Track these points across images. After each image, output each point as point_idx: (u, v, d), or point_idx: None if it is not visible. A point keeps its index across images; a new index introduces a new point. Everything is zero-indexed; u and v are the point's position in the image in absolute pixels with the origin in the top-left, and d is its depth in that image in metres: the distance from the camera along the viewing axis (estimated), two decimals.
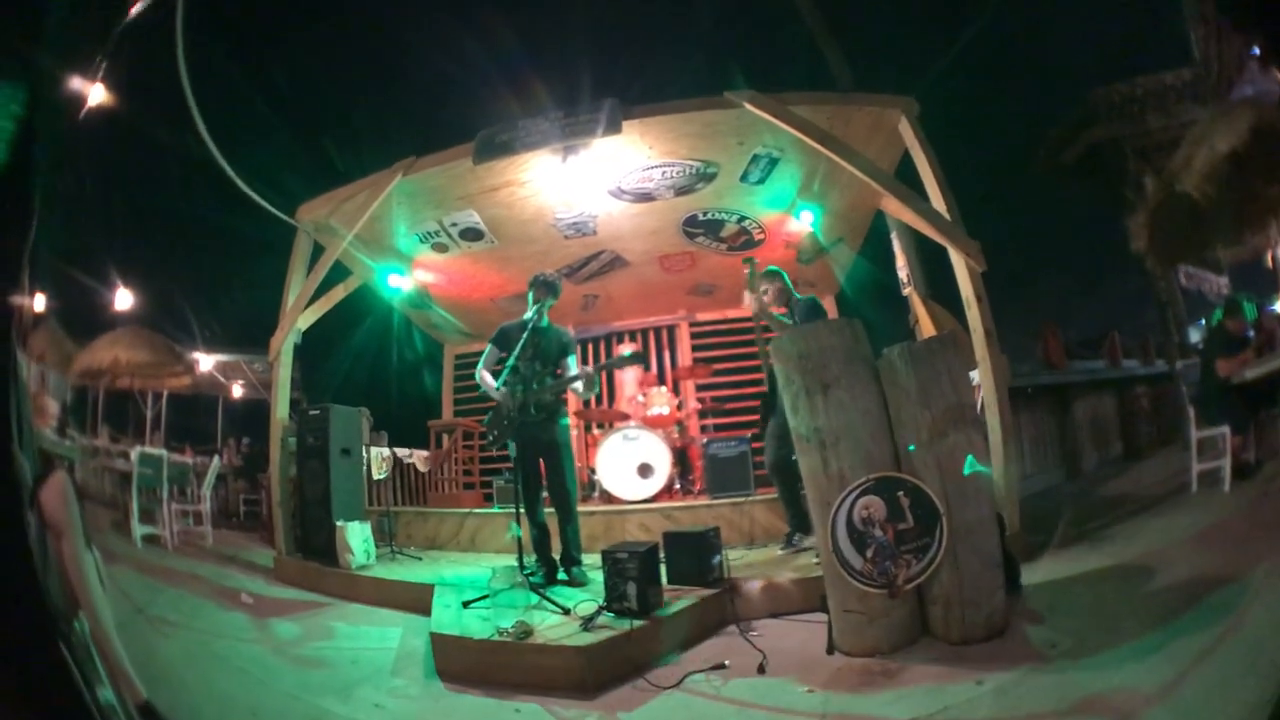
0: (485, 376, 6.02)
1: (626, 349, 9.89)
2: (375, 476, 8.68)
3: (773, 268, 6.69)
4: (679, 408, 9.87)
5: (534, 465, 5.98)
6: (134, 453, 7.67)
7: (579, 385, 6.01)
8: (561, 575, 5.91)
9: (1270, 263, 6.30)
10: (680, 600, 5.00)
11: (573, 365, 6.10)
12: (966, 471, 4.21)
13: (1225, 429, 5.97)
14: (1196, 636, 3.46)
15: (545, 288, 6.05)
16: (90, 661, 2.39)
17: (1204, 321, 7.62)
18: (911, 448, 4.33)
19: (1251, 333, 6.32)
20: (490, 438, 5.99)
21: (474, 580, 6.03)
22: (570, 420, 6.44)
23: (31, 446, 2.50)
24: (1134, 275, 8.08)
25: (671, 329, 11.47)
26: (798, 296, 6.46)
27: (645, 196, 8.23)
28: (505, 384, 5.81)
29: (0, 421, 2.19)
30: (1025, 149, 9.30)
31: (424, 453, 10.22)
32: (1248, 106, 5.57)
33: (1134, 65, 8.25)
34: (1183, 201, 5.85)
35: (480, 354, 6.13)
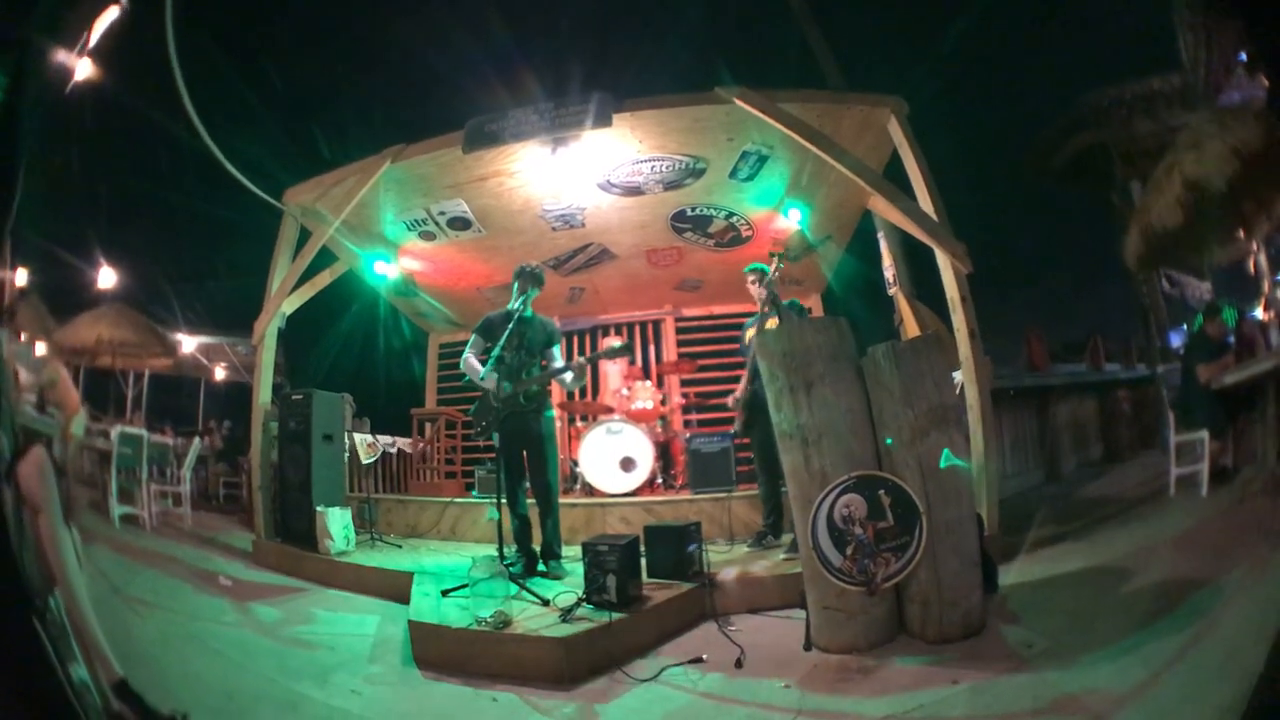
0: (472, 363, 5.96)
1: (614, 341, 9.91)
2: (364, 461, 8.67)
3: (757, 264, 6.73)
4: (663, 402, 9.88)
5: (517, 456, 5.95)
6: (114, 432, 7.62)
7: (567, 377, 5.99)
8: (541, 567, 5.90)
9: (1252, 269, 6.34)
10: (659, 594, 5.01)
11: (557, 356, 6.10)
12: (942, 465, 4.23)
13: (1204, 434, 6.02)
14: (1171, 639, 3.49)
15: (530, 278, 6.02)
16: (65, 639, 2.38)
17: (1185, 326, 7.67)
18: (889, 441, 4.34)
19: (1232, 338, 6.37)
20: (478, 428, 5.96)
21: (453, 569, 6.03)
22: (555, 412, 6.41)
23: (10, 422, 2.49)
24: (1118, 280, 8.13)
25: (657, 323, 11.49)
26: (783, 304, 6.48)
27: (634, 190, 8.23)
28: (492, 374, 5.78)
29: None
30: (1014, 152, 9.35)
31: (407, 440, 10.22)
32: (1234, 115, 5.60)
33: (1123, 70, 8.29)
34: (1167, 208, 5.89)
35: (465, 343, 6.10)
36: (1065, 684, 3.29)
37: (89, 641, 2.56)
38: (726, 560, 5.95)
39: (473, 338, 6.08)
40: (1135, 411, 8.84)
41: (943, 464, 4.23)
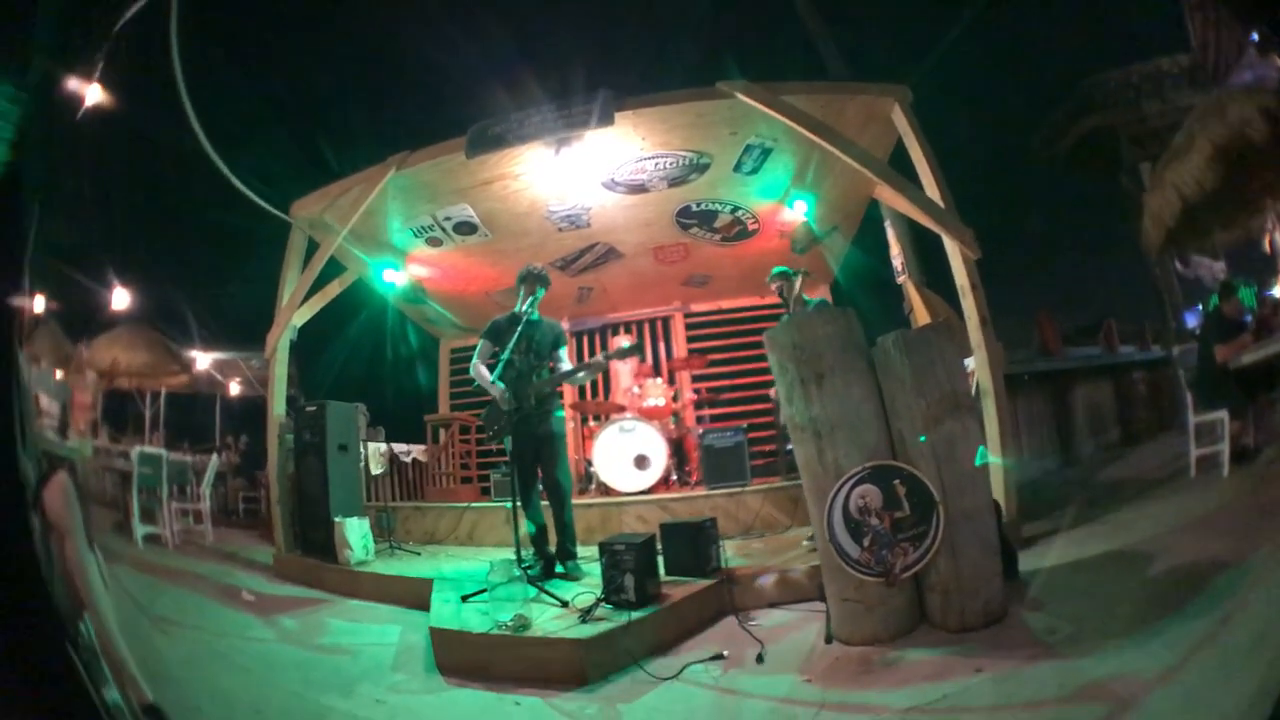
0: (481, 370, 5.96)
1: (624, 341, 9.89)
2: (373, 472, 8.68)
3: (782, 268, 6.68)
4: (675, 399, 9.88)
5: (530, 459, 5.93)
6: (134, 452, 7.65)
7: (581, 375, 5.99)
8: (559, 568, 5.89)
9: (1268, 247, 6.30)
10: (678, 591, 5.00)
11: (564, 356, 6.10)
12: (977, 463, 4.21)
13: (1224, 414, 5.97)
14: (1196, 622, 3.45)
15: (538, 279, 6.02)
16: (96, 663, 2.38)
17: (1201, 306, 7.62)
18: (922, 439, 4.32)
19: (1249, 317, 6.32)
20: (490, 433, 5.96)
21: (472, 574, 6.04)
22: (565, 413, 6.41)
23: (34, 448, 2.50)
24: (1130, 261, 8.09)
25: (666, 320, 11.50)
26: (806, 300, 6.46)
27: (639, 188, 8.22)
28: (501, 378, 5.77)
29: (2, 424, 2.19)
30: (1021, 136, 9.31)
31: (422, 448, 10.24)
32: (1243, 93, 5.56)
33: (1130, 52, 8.25)
34: (1179, 188, 5.85)
35: (475, 348, 6.09)
36: (1091, 670, 3.26)
37: (118, 663, 2.57)
38: (745, 555, 5.95)
39: (480, 343, 6.09)
40: (1152, 393, 8.79)
41: (978, 461, 4.22)
